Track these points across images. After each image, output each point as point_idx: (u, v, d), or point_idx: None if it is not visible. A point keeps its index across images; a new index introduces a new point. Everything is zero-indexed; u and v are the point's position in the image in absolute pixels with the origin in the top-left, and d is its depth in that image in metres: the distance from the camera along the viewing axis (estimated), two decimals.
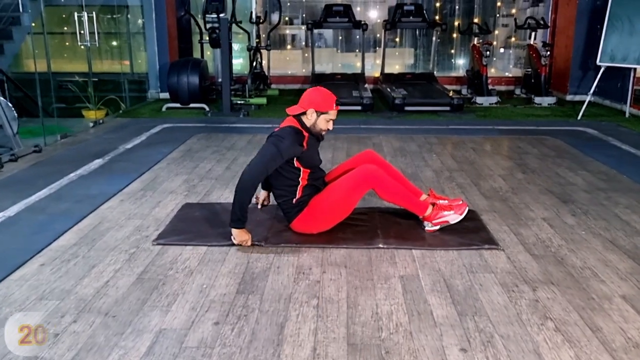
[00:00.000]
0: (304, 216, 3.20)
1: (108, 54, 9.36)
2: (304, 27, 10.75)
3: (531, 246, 3.11)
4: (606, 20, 7.22)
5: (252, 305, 2.48)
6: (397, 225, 3.37)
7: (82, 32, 6.86)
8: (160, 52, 9.05)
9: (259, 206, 3.56)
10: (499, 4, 10.33)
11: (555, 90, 8.68)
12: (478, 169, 4.76)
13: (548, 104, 8.20)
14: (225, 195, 3.97)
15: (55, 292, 2.60)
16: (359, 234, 3.26)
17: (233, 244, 3.10)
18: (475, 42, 8.89)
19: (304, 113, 3.14)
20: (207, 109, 7.68)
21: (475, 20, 9.60)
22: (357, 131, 6.41)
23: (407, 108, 7.60)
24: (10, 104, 5.46)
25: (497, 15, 10.37)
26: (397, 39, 10.72)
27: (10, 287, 2.64)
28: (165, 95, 8.53)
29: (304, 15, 10.80)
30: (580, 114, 7.18)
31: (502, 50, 10.54)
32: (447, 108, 7.59)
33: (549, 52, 8.31)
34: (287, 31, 11.27)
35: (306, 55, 10.53)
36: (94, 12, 6.83)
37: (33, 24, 8.23)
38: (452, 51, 10.57)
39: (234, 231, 3.07)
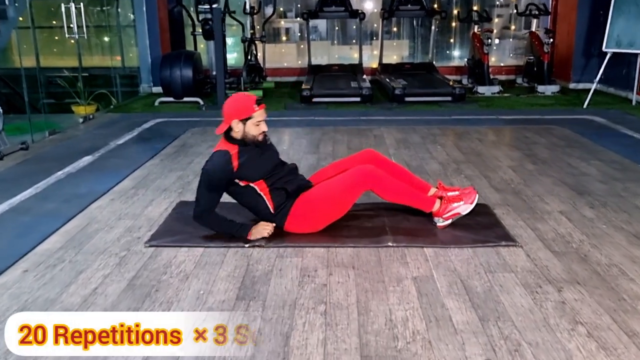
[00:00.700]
0: (294, 216, 2.98)
1: (98, 48, 9.10)
2: (298, 20, 10.49)
3: (551, 242, 2.91)
4: (612, 4, 7.00)
5: (254, 313, 2.27)
6: (406, 222, 3.15)
7: (70, 25, 6.59)
8: (152, 45, 8.79)
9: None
10: None
11: (557, 78, 8.46)
12: (486, 160, 4.55)
13: (551, 93, 7.99)
14: None
15: (39, 302, 2.37)
16: (365, 231, 3.04)
17: (230, 246, 2.89)
18: (476, 30, 8.66)
19: (230, 128, 2.91)
20: (202, 102, 7.44)
21: (475, 8, 9.36)
22: (357, 123, 6.19)
23: (407, 99, 7.38)
24: None
25: (497, 3, 10.13)
26: (395, 29, 10.46)
27: None
28: (158, 89, 8.28)
29: (298, 6, 10.52)
30: (586, 102, 6.97)
31: (497, 41, 10.26)
32: (449, 98, 7.37)
33: (551, 40, 8.09)
34: (282, 23, 11.01)
35: (302, 46, 10.27)
36: (82, 4, 6.56)
37: (20, 18, 7.99)
38: (452, 40, 10.33)
39: (252, 235, 2.93)
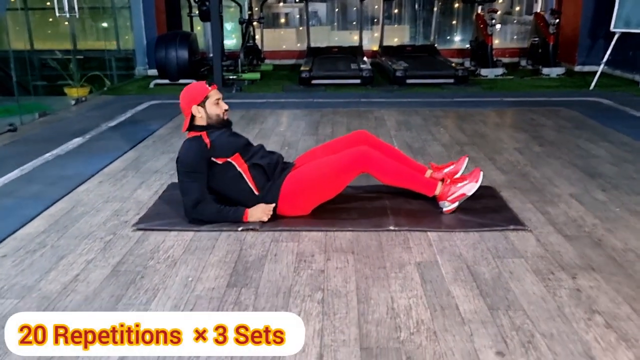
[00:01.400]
0: (284, 197, 2.81)
1: (93, 30, 8.88)
2: (298, 4, 10.23)
3: (562, 226, 2.74)
4: None
5: (246, 301, 2.10)
6: (409, 205, 2.98)
7: (60, 7, 6.36)
8: (147, 26, 8.57)
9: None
10: None
11: (562, 61, 8.25)
12: (491, 142, 4.37)
13: (557, 75, 7.79)
14: None
15: (15, 289, 2.22)
16: (365, 214, 2.88)
17: (223, 230, 2.73)
18: (479, 11, 8.43)
19: (192, 117, 2.87)
20: None
21: None
22: (356, 105, 6.00)
23: (408, 81, 7.18)
24: None
25: None
26: (396, 11, 10.21)
27: None
28: (153, 72, 8.08)
29: None
30: (593, 84, 6.78)
31: (499, 27, 9.98)
32: (451, 80, 7.17)
33: (557, 20, 7.86)
34: (281, 8, 10.75)
35: (301, 29, 10.03)
36: None
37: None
38: (454, 23, 10.09)
39: (248, 218, 2.77)
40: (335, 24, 10.65)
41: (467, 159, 3.10)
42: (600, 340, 1.83)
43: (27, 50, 7.66)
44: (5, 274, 2.34)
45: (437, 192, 2.87)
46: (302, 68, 7.49)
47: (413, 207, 2.95)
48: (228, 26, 9.45)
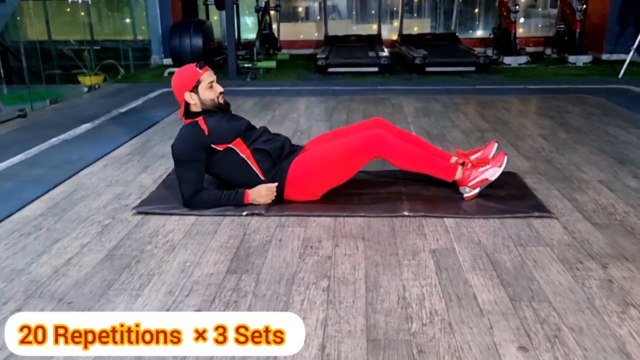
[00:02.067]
0: (291, 181, 2.63)
1: (109, 20, 8.82)
2: None
3: (591, 213, 2.54)
4: None
5: (245, 288, 1.95)
6: (425, 191, 2.80)
7: None
8: (162, 14, 8.48)
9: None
10: None
11: (590, 49, 7.95)
12: (513, 129, 4.16)
13: (583, 63, 7.50)
14: None
15: (4, 273, 2.10)
16: (379, 201, 2.70)
17: (226, 214, 2.58)
18: None
19: (187, 105, 2.72)
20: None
21: None
22: (373, 92, 5.81)
23: (428, 69, 6.97)
24: None
25: None
26: (417, 0, 9.94)
27: None
28: (169, 61, 7.99)
29: None
30: (622, 71, 6.50)
31: (522, 20, 9.64)
32: (473, 68, 6.94)
33: (585, 6, 7.56)
34: (300, 1, 10.54)
35: (320, 22, 9.82)
36: None
37: None
38: (476, 11, 9.81)
39: (249, 199, 2.61)
40: (355, 17, 10.41)
41: (496, 144, 2.87)
42: (636, 336, 1.64)
43: (43, 41, 7.62)
44: None
45: (457, 177, 2.67)
46: (318, 56, 7.31)
47: (430, 193, 2.77)
48: (248, 21, 9.32)
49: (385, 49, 7.99)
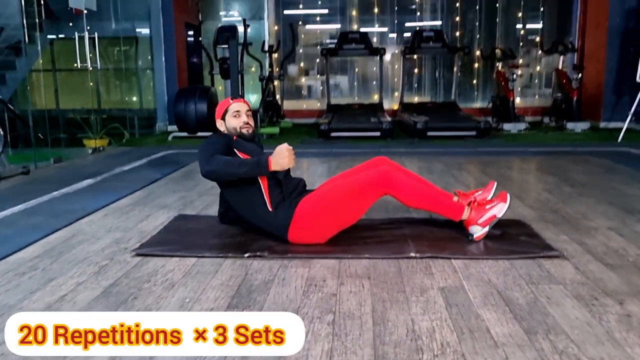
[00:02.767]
0: (297, 222, 2.58)
1: (117, 90, 9.07)
2: (319, 78, 10.33)
3: (602, 255, 2.47)
4: None
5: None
6: (431, 234, 2.75)
7: (85, 64, 6.43)
8: (169, 84, 8.71)
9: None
10: (522, 32, 9.87)
11: (587, 117, 8.09)
12: (517, 183, 4.15)
13: (581, 130, 7.60)
14: None
15: None
16: (384, 243, 2.64)
17: (228, 256, 2.51)
18: (500, 68, 8.40)
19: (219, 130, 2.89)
20: None
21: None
22: (376, 154, 5.79)
23: (429, 133, 7.05)
24: None
25: (520, 43, 9.89)
26: (417, 70, 10.22)
27: None
28: (173, 128, 8.11)
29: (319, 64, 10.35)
30: (621, 136, 6.58)
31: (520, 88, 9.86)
32: (474, 132, 7.02)
33: (580, 74, 7.77)
34: (303, 81, 10.83)
35: (321, 87, 10.04)
36: (95, 33, 6.45)
37: (41, 61, 8.01)
38: (474, 82, 10.07)
39: (272, 164, 2.47)
40: (356, 91, 10.61)
41: (495, 184, 2.88)
42: None
43: (51, 110, 7.81)
44: None
45: (465, 216, 2.63)
46: (321, 121, 7.43)
47: (436, 234, 2.72)
48: (254, 97, 9.56)
49: (387, 116, 8.13)
